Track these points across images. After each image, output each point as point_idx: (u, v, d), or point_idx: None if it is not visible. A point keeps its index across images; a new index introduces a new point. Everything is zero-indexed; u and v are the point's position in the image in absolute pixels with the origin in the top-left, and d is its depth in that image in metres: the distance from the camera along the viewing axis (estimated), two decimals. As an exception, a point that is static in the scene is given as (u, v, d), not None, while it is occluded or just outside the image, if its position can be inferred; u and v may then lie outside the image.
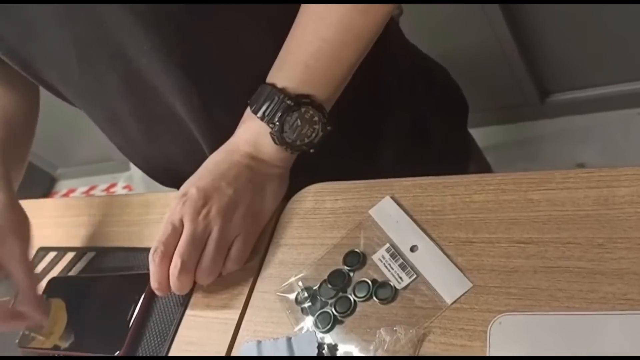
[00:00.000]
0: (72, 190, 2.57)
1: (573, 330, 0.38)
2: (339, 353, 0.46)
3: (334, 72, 0.56)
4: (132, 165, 2.12)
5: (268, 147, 0.56)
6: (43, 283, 0.71)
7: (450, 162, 0.77)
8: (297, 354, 0.47)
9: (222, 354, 0.51)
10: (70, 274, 0.70)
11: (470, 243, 0.45)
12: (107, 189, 2.44)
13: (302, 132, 0.55)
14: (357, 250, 0.50)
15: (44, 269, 0.73)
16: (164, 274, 0.53)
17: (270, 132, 0.55)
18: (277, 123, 0.54)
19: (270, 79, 0.56)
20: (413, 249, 0.48)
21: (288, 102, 0.54)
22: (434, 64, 0.80)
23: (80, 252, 0.71)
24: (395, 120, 0.70)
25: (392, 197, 0.52)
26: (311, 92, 0.55)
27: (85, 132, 2.22)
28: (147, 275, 0.60)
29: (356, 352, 0.45)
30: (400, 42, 0.74)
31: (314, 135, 0.55)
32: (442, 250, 0.46)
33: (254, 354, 0.49)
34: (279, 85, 0.55)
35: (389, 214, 0.51)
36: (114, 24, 0.55)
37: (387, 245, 0.49)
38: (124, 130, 0.69)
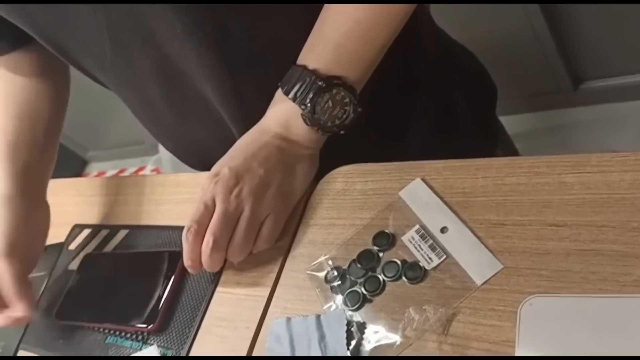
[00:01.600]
0: (102, 173, 2.63)
1: (605, 313, 0.38)
2: (368, 331, 0.47)
3: (364, 54, 0.56)
4: (160, 149, 2.16)
5: (299, 129, 0.56)
6: (78, 260, 0.73)
7: (477, 148, 0.77)
8: (326, 331, 0.48)
9: (252, 330, 0.52)
10: (104, 251, 0.72)
11: (501, 225, 0.45)
12: (135, 172, 2.48)
13: (333, 113, 0.55)
14: (386, 231, 0.51)
15: (79, 245, 0.75)
16: (197, 252, 0.54)
17: (302, 114, 0.55)
18: (309, 104, 0.54)
19: (301, 60, 0.56)
20: (443, 230, 0.48)
21: (319, 83, 0.54)
22: (461, 48, 0.80)
23: (113, 229, 0.73)
24: (422, 104, 0.70)
25: (422, 179, 0.52)
26: (342, 74, 0.55)
27: (115, 116, 2.26)
28: (179, 253, 0.62)
29: (384, 331, 0.46)
30: (429, 26, 0.74)
31: (344, 116, 0.56)
32: (472, 232, 0.46)
33: (284, 330, 0.50)
34: (310, 66, 0.55)
35: (419, 195, 0.51)
36: (146, 9, 0.56)
37: (417, 226, 0.49)
38: (155, 114, 0.70)
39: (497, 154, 0.81)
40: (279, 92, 0.57)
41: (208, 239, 0.53)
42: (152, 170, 2.35)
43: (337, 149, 0.59)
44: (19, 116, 0.71)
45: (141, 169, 2.47)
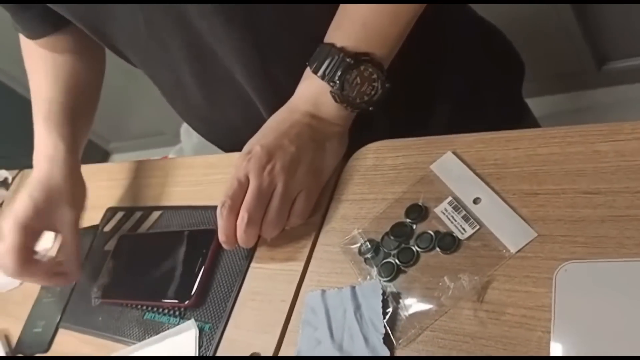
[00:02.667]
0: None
1: (642, 276, 0.38)
2: (403, 301, 0.47)
3: (390, 31, 0.57)
4: (182, 138, 2.18)
5: (328, 106, 0.57)
6: (113, 241, 0.75)
7: (503, 126, 0.76)
8: (361, 301, 0.49)
9: (288, 303, 0.54)
10: (139, 231, 0.74)
11: (534, 195, 0.46)
12: (158, 163, 2.51)
13: (361, 90, 0.56)
14: (419, 203, 0.51)
15: (114, 227, 0.77)
16: (232, 228, 0.55)
17: (331, 91, 0.56)
18: (338, 81, 0.55)
19: (328, 38, 0.57)
20: (476, 201, 0.49)
21: (348, 60, 0.55)
22: (490, 26, 0.79)
23: (146, 211, 0.75)
24: (449, 81, 0.70)
25: (453, 152, 0.52)
26: (370, 50, 0.56)
27: (136, 107, 2.29)
28: (213, 231, 0.63)
29: (419, 300, 0.47)
30: (459, 4, 0.74)
31: (373, 92, 0.56)
32: (505, 202, 0.47)
33: (319, 302, 0.51)
34: (338, 44, 0.56)
35: (450, 168, 0.52)
36: None
37: (450, 198, 0.50)
38: (185, 95, 0.72)
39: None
40: (308, 70, 0.58)
41: (243, 215, 0.54)
42: (175, 160, 2.37)
43: (364, 125, 0.60)
44: (65, 88, 0.75)
45: (163, 159, 2.50)
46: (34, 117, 0.74)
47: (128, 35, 0.65)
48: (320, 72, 0.56)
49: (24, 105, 0.78)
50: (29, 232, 0.66)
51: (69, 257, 0.69)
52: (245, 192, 0.55)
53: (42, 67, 0.76)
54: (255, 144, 0.57)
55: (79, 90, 0.76)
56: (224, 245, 0.57)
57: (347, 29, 0.57)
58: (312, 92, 0.58)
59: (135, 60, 0.70)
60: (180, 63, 0.66)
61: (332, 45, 0.56)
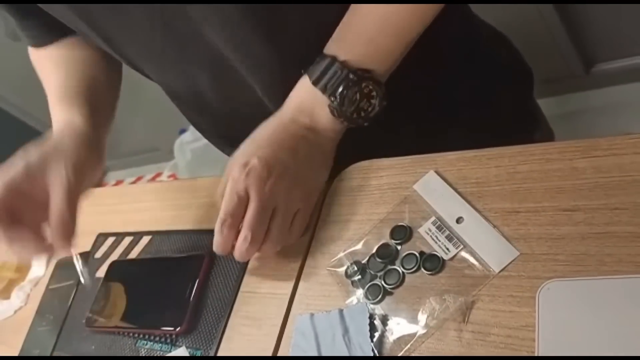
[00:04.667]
0: (120, 182, 2.67)
1: (622, 293, 0.38)
2: (390, 323, 0.48)
3: (394, 48, 0.56)
4: (176, 155, 2.19)
5: (324, 119, 0.56)
6: (104, 267, 0.75)
7: (517, 131, 0.75)
8: (349, 325, 0.49)
9: (278, 327, 0.54)
10: (129, 257, 0.74)
11: (516, 213, 0.46)
12: (152, 179, 2.51)
13: (359, 105, 0.55)
14: (403, 224, 0.52)
15: (104, 253, 0.77)
16: (230, 244, 0.54)
17: (329, 105, 0.55)
18: (338, 97, 0.54)
19: (330, 50, 0.56)
20: (459, 220, 0.49)
21: (351, 76, 0.54)
22: (497, 35, 0.78)
23: (137, 236, 0.75)
24: (460, 90, 0.70)
25: (435, 171, 0.52)
26: (372, 67, 0.55)
27: (130, 124, 2.29)
28: (203, 256, 0.63)
29: (406, 322, 0.47)
30: (465, 15, 0.73)
31: (370, 109, 0.56)
32: (487, 220, 0.47)
33: (308, 326, 0.51)
34: (341, 57, 0.55)
35: (433, 187, 0.52)
36: None
37: (433, 218, 0.50)
38: (202, 101, 0.70)
39: (535, 138, 0.80)
40: (305, 80, 0.57)
41: (246, 234, 0.52)
42: (169, 176, 2.38)
43: (366, 143, 0.59)
44: (81, 76, 0.71)
45: (158, 175, 2.51)
46: (49, 106, 0.69)
47: (142, 42, 0.63)
48: (321, 85, 0.55)
49: (23, 130, 0.75)
50: (16, 193, 0.58)
51: (53, 228, 0.58)
52: (245, 207, 0.53)
53: (52, 64, 0.72)
54: (252, 156, 0.54)
55: (97, 81, 0.71)
56: (217, 253, 0.55)
57: (351, 42, 0.56)
58: (309, 104, 0.57)
59: (147, 68, 0.68)
60: (198, 71, 0.65)
61: (335, 58, 0.55)
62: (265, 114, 0.63)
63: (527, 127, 0.78)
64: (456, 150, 0.53)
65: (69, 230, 0.58)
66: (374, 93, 0.55)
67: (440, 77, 0.68)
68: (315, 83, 0.56)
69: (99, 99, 0.71)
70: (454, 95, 0.70)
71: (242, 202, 0.53)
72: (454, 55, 0.69)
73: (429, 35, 0.57)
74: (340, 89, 0.54)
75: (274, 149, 0.55)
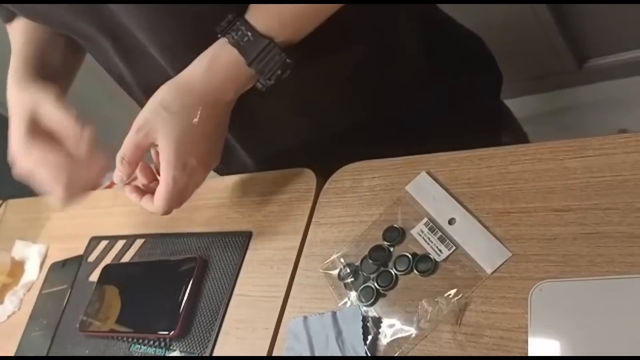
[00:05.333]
0: (114, 183, 2.65)
1: (614, 294, 0.38)
2: (383, 325, 0.48)
3: (308, 21, 0.54)
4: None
5: (243, 89, 0.55)
6: (97, 271, 0.75)
7: (481, 135, 0.76)
8: (342, 327, 0.49)
9: (271, 330, 0.54)
10: (122, 260, 0.73)
11: (507, 213, 0.46)
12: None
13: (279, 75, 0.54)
14: (396, 225, 0.52)
15: (97, 257, 0.77)
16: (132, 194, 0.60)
17: (259, 82, 0.54)
18: (273, 79, 0.53)
19: (263, 27, 0.52)
20: (451, 221, 0.49)
21: (288, 61, 0.53)
22: (469, 34, 0.79)
23: (129, 239, 0.75)
24: (423, 90, 0.69)
25: (427, 172, 0.52)
26: (297, 39, 0.54)
27: (118, 128, 2.28)
28: (195, 259, 0.63)
29: (399, 324, 0.47)
30: (429, 13, 0.73)
31: (282, 74, 0.54)
32: (480, 221, 0.47)
33: (301, 329, 0.51)
34: (278, 40, 0.52)
35: (425, 189, 0.52)
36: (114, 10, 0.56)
37: (425, 219, 0.50)
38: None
39: (502, 140, 0.81)
40: (235, 57, 0.53)
41: (161, 206, 0.56)
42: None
43: (346, 148, 0.60)
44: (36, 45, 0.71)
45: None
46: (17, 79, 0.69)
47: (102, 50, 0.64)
48: (258, 68, 0.53)
49: (4, 134, 0.75)
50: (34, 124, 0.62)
51: (68, 134, 0.61)
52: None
53: (19, 31, 0.72)
54: (189, 156, 0.55)
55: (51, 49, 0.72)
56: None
57: (282, 21, 0.53)
58: (241, 82, 0.55)
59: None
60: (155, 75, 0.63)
61: (271, 40, 0.52)
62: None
63: (492, 130, 0.78)
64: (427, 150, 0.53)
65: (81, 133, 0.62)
66: (288, 61, 0.53)
67: (406, 76, 0.68)
68: (251, 64, 0.53)
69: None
70: (421, 95, 0.69)
71: (177, 186, 0.56)
72: (421, 55, 0.69)
73: (397, 32, 0.56)
74: (278, 74, 0.53)
75: (205, 144, 0.56)
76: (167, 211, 0.57)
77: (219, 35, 0.54)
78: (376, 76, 0.64)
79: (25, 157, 0.63)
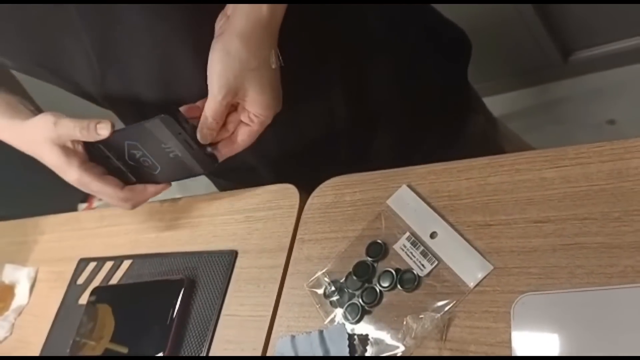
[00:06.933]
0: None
1: (594, 305, 0.38)
2: (370, 343, 0.47)
3: None
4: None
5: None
6: (86, 294, 0.74)
7: (450, 107, 0.74)
8: (329, 346, 0.49)
9: (259, 350, 0.54)
10: (111, 282, 0.73)
11: (487, 226, 0.46)
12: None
13: None
14: (378, 240, 0.51)
15: (86, 279, 0.77)
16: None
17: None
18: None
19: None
20: (433, 235, 0.49)
21: None
22: (430, 10, 0.76)
23: (117, 260, 0.74)
24: (382, 65, 0.68)
25: (408, 186, 0.52)
26: None
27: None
28: (183, 280, 0.63)
29: (385, 342, 0.47)
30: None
31: None
32: (461, 234, 0.47)
33: (289, 348, 0.51)
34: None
35: (406, 202, 0.52)
36: (126, 18, 0.56)
37: (408, 233, 0.50)
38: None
39: (475, 118, 0.79)
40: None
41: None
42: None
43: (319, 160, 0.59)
44: None
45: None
46: None
47: (86, 74, 0.64)
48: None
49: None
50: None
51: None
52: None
53: None
54: (270, 109, 0.57)
55: None
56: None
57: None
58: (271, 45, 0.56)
59: (100, 98, 0.68)
60: (142, 90, 0.65)
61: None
62: None
63: (460, 107, 0.76)
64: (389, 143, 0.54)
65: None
66: None
67: (368, 53, 0.67)
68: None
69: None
70: (385, 78, 0.68)
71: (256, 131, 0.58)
72: (382, 28, 0.68)
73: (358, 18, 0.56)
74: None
75: (279, 95, 0.58)
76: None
77: None
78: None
79: (86, 189, 0.64)
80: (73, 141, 0.62)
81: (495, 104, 0.96)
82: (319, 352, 0.49)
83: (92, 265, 0.78)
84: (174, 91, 0.64)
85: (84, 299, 0.74)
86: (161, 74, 0.62)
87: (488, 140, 0.82)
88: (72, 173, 0.62)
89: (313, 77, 0.65)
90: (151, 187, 0.65)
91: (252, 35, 0.54)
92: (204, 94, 0.60)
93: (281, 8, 0.55)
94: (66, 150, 0.62)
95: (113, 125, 0.61)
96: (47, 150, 0.62)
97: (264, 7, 0.54)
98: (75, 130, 0.60)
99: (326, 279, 0.53)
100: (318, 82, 0.65)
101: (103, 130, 0.59)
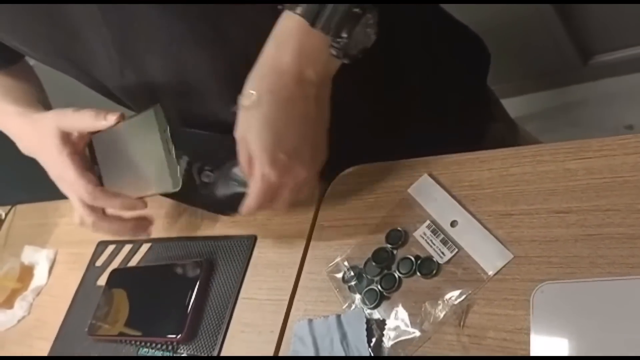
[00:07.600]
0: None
1: (615, 295, 0.39)
2: (387, 327, 0.48)
3: None
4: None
5: (326, 65, 0.48)
6: (105, 275, 0.75)
7: (469, 120, 0.73)
8: (347, 330, 0.49)
9: (277, 333, 0.54)
10: (129, 264, 0.74)
11: (509, 215, 0.46)
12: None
13: (359, 38, 0.47)
14: (398, 228, 0.52)
15: (105, 261, 0.78)
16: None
17: (333, 46, 0.47)
18: (345, 36, 0.46)
19: None
20: (453, 224, 0.49)
21: (356, 10, 0.45)
22: (456, 22, 0.77)
23: (136, 244, 0.76)
24: (406, 76, 0.67)
25: (429, 175, 0.53)
26: None
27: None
28: (201, 262, 0.64)
29: (403, 326, 0.47)
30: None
31: (367, 40, 0.48)
32: (481, 223, 0.47)
33: (306, 331, 0.52)
34: None
35: (427, 191, 0.52)
36: (145, 15, 0.57)
37: (428, 221, 0.50)
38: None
39: (494, 126, 0.79)
40: (299, 23, 0.46)
41: (247, 205, 0.52)
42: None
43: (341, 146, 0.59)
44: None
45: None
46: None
47: (105, 67, 0.64)
48: (322, 24, 0.45)
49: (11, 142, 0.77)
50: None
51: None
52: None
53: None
54: (276, 149, 0.49)
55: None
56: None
57: None
58: (312, 50, 0.47)
59: (117, 91, 0.68)
60: (158, 87, 0.64)
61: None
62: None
63: (479, 117, 0.76)
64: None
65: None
66: (371, 21, 0.47)
67: (392, 64, 0.65)
68: (314, 23, 0.46)
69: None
70: (409, 85, 0.67)
71: (271, 189, 0.51)
72: (407, 43, 0.67)
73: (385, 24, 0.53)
74: (349, 26, 0.46)
75: (293, 133, 0.49)
76: (253, 210, 0.52)
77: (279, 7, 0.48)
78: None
79: (62, 181, 0.65)
80: (79, 134, 0.63)
81: (513, 105, 0.96)
82: (337, 336, 0.50)
83: (110, 248, 0.79)
84: (190, 89, 0.65)
85: (102, 281, 0.75)
86: (177, 72, 0.62)
87: (506, 146, 0.82)
88: (60, 160, 0.63)
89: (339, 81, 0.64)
90: (122, 197, 0.63)
91: (263, 64, 0.50)
92: (218, 91, 0.61)
93: (317, 60, 0.48)
94: (65, 136, 0.63)
95: (123, 115, 0.61)
96: (49, 138, 0.63)
97: (288, 45, 0.48)
98: (85, 115, 0.62)
99: (345, 264, 0.53)
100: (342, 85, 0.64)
101: (111, 116, 0.61)
